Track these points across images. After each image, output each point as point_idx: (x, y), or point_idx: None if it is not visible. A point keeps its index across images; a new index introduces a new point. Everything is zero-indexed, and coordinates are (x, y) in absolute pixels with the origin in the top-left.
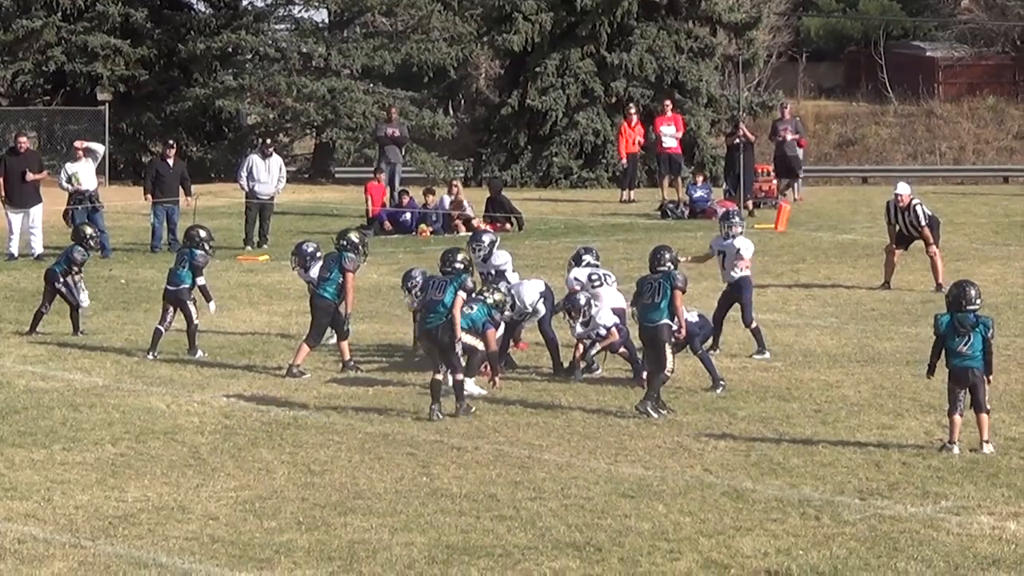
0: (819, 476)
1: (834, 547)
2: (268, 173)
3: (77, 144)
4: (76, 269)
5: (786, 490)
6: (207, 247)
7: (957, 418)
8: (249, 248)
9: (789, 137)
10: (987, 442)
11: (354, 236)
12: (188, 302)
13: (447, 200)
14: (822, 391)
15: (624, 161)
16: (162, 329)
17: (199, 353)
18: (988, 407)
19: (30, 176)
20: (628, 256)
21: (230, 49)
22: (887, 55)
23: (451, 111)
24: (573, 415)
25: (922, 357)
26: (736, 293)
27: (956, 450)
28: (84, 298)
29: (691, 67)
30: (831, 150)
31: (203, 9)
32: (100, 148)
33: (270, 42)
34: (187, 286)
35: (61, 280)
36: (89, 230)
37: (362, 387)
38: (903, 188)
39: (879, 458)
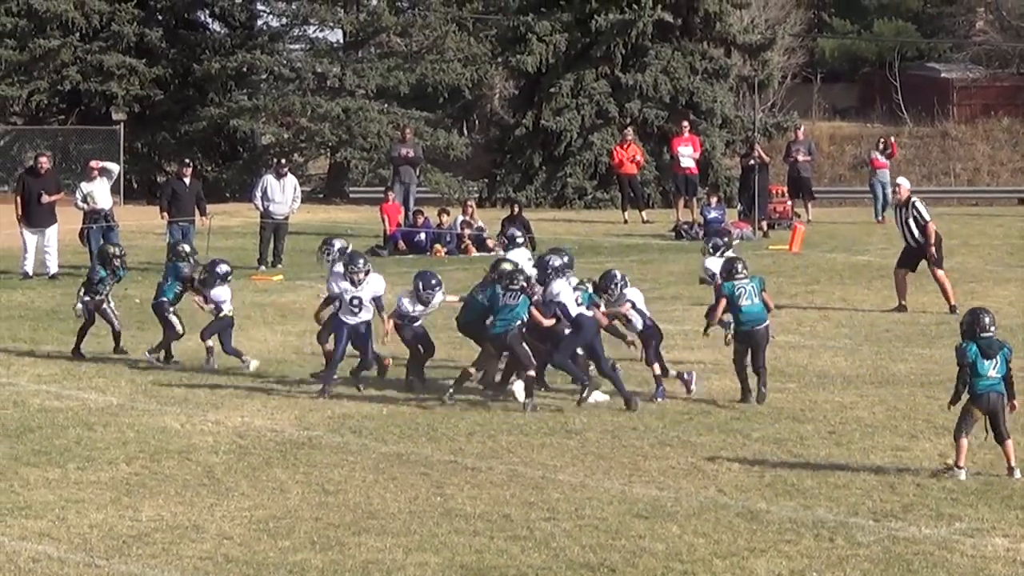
0: (833, 498)
1: (848, 569)
2: (283, 193)
3: (92, 164)
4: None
5: (800, 511)
6: (192, 260)
7: (965, 441)
8: (263, 268)
9: (801, 158)
10: (1014, 468)
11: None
12: (168, 315)
13: (461, 220)
14: (836, 412)
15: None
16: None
17: (150, 359)
18: (1008, 433)
19: (46, 198)
20: (643, 277)
21: (245, 69)
22: (902, 76)
23: (466, 131)
24: (587, 436)
25: (937, 379)
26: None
27: (963, 476)
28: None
29: (706, 88)
30: (845, 171)
31: (218, 29)
32: (115, 167)
33: (285, 62)
34: (166, 299)
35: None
36: (112, 249)
37: (376, 407)
38: (902, 181)
39: (893, 480)
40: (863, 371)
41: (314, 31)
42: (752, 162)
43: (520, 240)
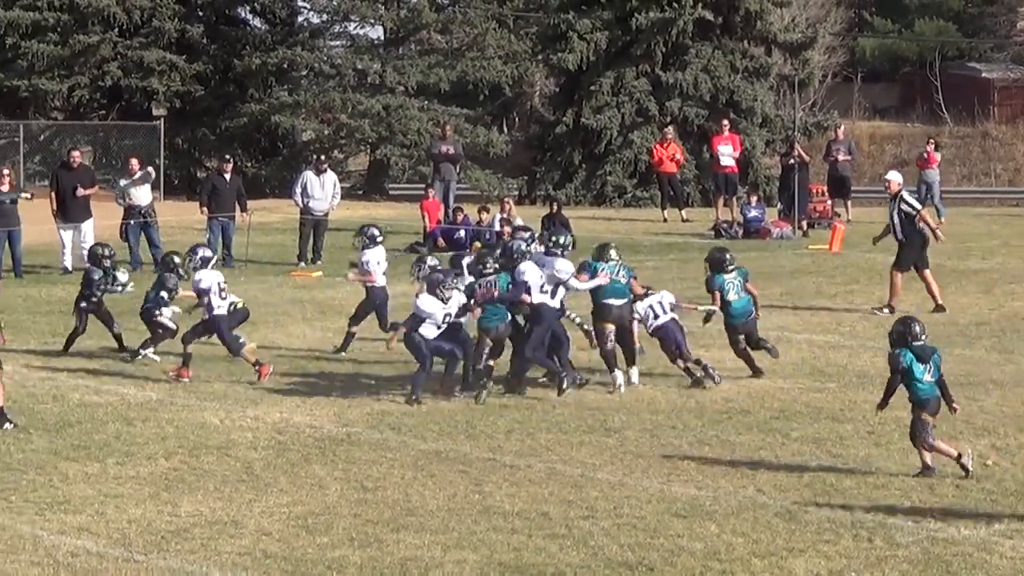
0: (872, 498)
1: (887, 569)
2: (322, 189)
3: (133, 162)
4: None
5: (839, 512)
6: (180, 272)
7: (939, 443)
8: (303, 264)
9: (841, 158)
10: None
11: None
12: (157, 318)
13: (500, 218)
14: (875, 413)
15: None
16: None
17: (144, 355)
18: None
19: (81, 191)
20: (682, 275)
21: (285, 65)
22: (942, 76)
23: (505, 129)
24: (626, 435)
25: (976, 380)
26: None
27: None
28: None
29: (746, 87)
30: (885, 171)
31: (259, 25)
32: (151, 173)
33: (325, 58)
34: (151, 305)
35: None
36: (101, 249)
37: (415, 404)
38: (893, 175)
39: (932, 480)
40: None
41: (355, 28)
42: (792, 161)
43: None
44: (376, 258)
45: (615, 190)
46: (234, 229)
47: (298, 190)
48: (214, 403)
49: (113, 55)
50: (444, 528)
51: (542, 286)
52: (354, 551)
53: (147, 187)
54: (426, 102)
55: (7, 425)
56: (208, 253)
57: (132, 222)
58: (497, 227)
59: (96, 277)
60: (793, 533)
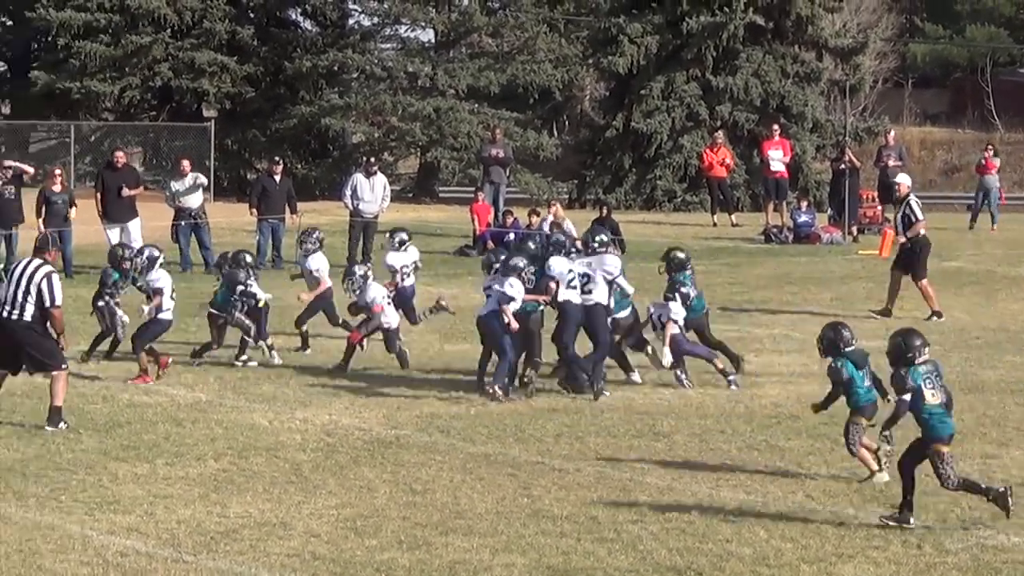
0: (922, 504)
1: None
2: (372, 192)
3: (184, 163)
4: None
5: None
6: (250, 272)
7: (864, 451)
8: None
9: (892, 163)
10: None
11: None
12: (236, 316)
13: (550, 221)
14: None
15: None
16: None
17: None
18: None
19: (126, 191)
20: (732, 280)
21: (336, 67)
22: (993, 82)
23: (555, 132)
24: (675, 439)
25: None
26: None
27: (886, 476)
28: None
29: (797, 92)
30: (936, 177)
31: (310, 27)
32: (204, 181)
33: (376, 61)
34: (223, 306)
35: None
36: (122, 251)
37: (464, 407)
38: (902, 178)
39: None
40: (952, 377)
41: (406, 30)
42: (843, 166)
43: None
44: (322, 264)
45: (665, 194)
46: (284, 231)
47: (348, 192)
48: (263, 405)
49: (164, 56)
50: (493, 531)
51: (570, 282)
52: (403, 554)
53: (196, 189)
54: (476, 105)
55: (61, 424)
56: (156, 253)
57: (183, 223)
58: (547, 230)
59: (110, 280)
60: (842, 539)
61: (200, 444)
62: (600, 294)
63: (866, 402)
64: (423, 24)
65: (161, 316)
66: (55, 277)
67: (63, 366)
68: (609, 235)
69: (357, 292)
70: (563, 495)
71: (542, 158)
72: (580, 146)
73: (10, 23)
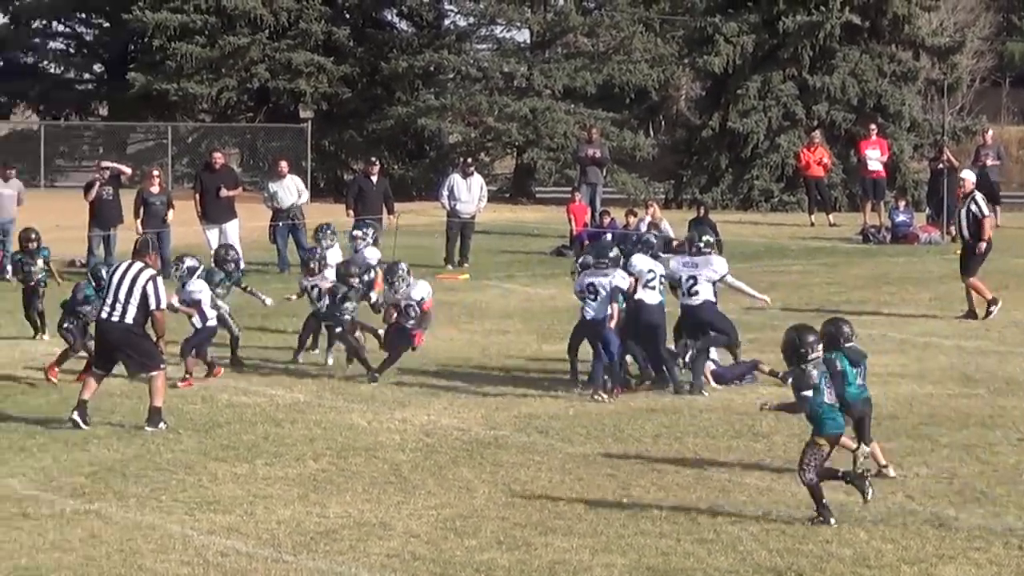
0: (1023, 505)
1: None
2: (469, 192)
3: (282, 164)
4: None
5: (989, 519)
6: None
7: (850, 445)
8: (450, 267)
9: (990, 163)
10: (886, 464)
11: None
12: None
13: (647, 221)
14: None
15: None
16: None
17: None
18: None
19: (224, 192)
20: (829, 280)
21: (432, 68)
22: None
23: (652, 132)
24: (774, 439)
25: None
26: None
27: (891, 471)
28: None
29: (894, 91)
30: None
31: (406, 28)
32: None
33: (472, 61)
34: (333, 314)
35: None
36: (226, 252)
37: (563, 407)
38: (967, 174)
39: None
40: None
41: (501, 31)
42: (940, 166)
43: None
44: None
45: (762, 194)
46: (381, 231)
47: (445, 193)
48: (361, 405)
49: (261, 57)
50: (592, 531)
51: (649, 281)
52: (502, 554)
53: (294, 190)
54: (572, 105)
55: (161, 425)
56: (195, 263)
57: (280, 224)
58: (643, 230)
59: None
60: (943, 540)
61: (299, 444)
62: (706, 295)
63: (853, 399)
64: (519, 24)
65: (208, 324)
66: (159, 280)
67: (162, 366)
68: (713, 236)
69: (405, 287)
70: (662, 495)
71: (638, 158)
72: (676, 146)
73: (107, 25)
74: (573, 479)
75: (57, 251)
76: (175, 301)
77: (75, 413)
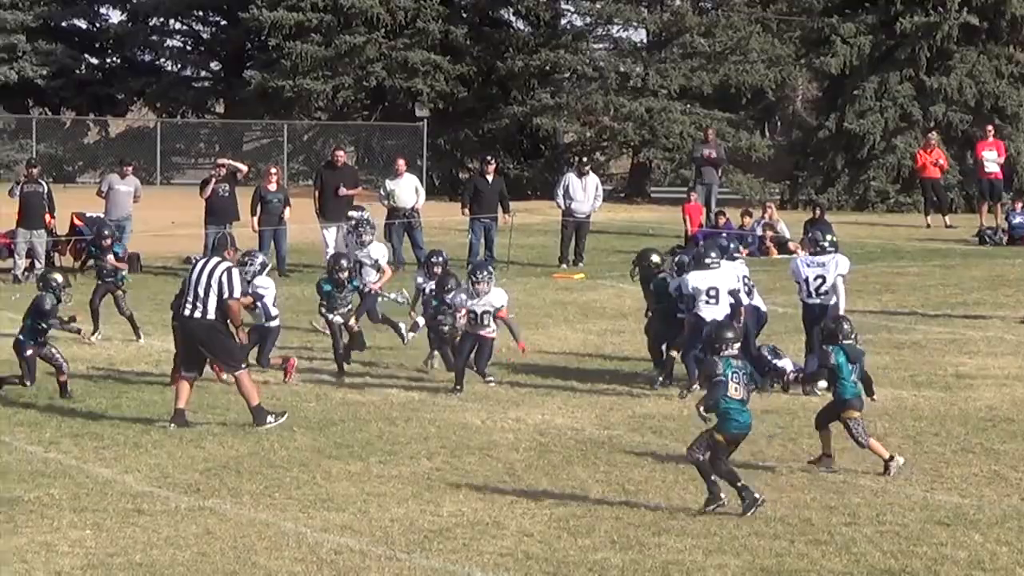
0: None
1: None
2: (584, 192)
3: (400, 162)
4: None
5: None
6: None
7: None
8: (565, 266)
9: None
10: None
11: None
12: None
13: (762, 222)
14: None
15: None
16: None
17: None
18: None
19: (343, 190)
20: (945, 282)
21: (548, 67)
22: None
23: (768, 133)
24: (889, 441)
25: None
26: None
27: (901, 459)
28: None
29: (1011, 92)
30: None
31: (522, 27)
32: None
33: (588, 61)
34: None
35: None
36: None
37: (676, 407)
38: None
39: None
40: None
41: (618, 30)
42: None
43: (736, 254)
44: (381, 253)
45: (878, 195)
46: (496, 230)
47: (560, 192)
48: (476, 404)
49: (377, 56)
50: (706, 532)
51: (708, 299)
52: (616, 554)
53: (412, 189)
54: (688, 105)
55: (270, 419)
56: (266, 260)
57: (396, 223)
58: (759, 231)
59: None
60: None
61: (413, 443)
62: (837, 294)
63: (852, 395)
64: (635, 24)
65: (269, 324)
66: (235, 272)
67: (243, 366)
68: (833, 235)
69: (487, 292)
70: (776, 497)
71: (754, 159)
72: (792, 147)
73: (224, 23)
74: (687, 479)
75: (173, 248)
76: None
77: (172, 425)
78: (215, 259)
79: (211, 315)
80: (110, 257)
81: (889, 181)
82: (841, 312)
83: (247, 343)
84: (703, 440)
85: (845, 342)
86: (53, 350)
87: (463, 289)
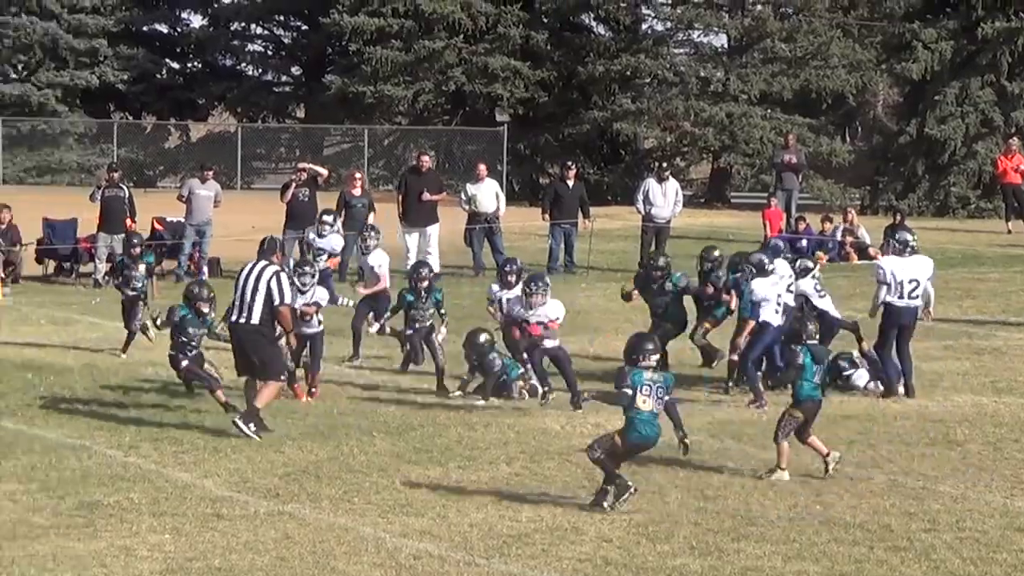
0: None
1: None
2: (664, 197)
3: (480, 167)
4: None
5: None
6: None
7: (786, 444)
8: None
9: None
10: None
11: None
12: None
13: (843, 228)
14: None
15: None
16: None
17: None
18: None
19: (426, 196)
20: None
21: (629, 72)
22: None
23: (848, 138)
24: (969, 448)
25: None
26: None
27: (786, 476)
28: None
29: None
30: None
31: (603, 32)
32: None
33: (669, 66)
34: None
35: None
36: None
37: (756, 413)
38: None
39: None
40: None
41: (698, 35)
42: None
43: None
44: (383, 260)
45: (958, 201)
46: (576, 236)
47: (640, 197)
48: (555, 410)
49: (457, 61)
50: (785, 538)
51: (776, 308)
52: (694, 559)
53: (492, 194)
54: (769, 110)
55: (251, 426)
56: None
57: (476, 228)
58: (839, 237)
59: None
60: None
61: (492, 448)
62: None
63: (807, 397)
64: (716, 29)
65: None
66: (283, 276)
67: (280, 378)
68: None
69: (542, 303)
70: (855, 503)
71: (835, 164)
72: (873, 152)
73: (305, 28)
74: (766, 485)
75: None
76: (298, 302)
77: (250, 427)
78: (262, 263)
79: (256, 319)
80: (141, 267)
81: (970, 187)
82: (931, 311)
83: (295, 347)
84: (604, 441)
85: (810, 342)
86: (207, 365)
87: (518, 300)
